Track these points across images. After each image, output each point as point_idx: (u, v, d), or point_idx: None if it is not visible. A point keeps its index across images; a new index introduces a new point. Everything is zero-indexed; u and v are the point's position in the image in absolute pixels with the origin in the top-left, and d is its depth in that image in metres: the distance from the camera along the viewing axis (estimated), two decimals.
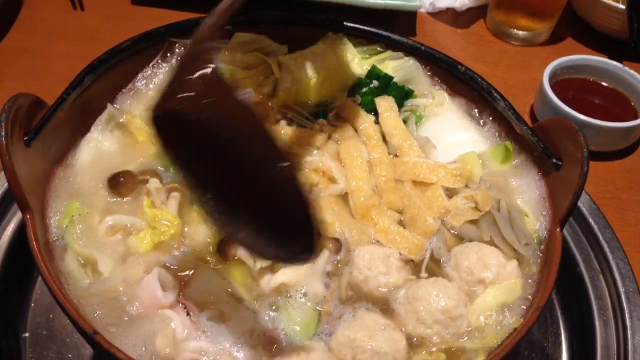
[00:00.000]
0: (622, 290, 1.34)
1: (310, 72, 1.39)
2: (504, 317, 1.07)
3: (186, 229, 1.14)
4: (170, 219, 1.13)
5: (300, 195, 0.86)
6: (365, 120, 1.32)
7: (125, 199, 1.17)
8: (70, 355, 1.25)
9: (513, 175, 1.26)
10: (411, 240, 1.13)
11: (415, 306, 1.04)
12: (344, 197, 1.22)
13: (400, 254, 1.13)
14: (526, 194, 1.23)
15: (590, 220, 1.45)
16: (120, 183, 1.17)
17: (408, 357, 1.01)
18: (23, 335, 1.28)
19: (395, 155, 1.29)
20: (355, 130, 1.32)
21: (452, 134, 1.32)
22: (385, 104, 1.34)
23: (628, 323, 1.30)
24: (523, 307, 1.08)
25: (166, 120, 0.85)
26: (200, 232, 1.13)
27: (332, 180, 1.23)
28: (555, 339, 1.37)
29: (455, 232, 1.19)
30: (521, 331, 1.00)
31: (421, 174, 1.23)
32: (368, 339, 0.98)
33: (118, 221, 1.13)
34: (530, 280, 1.11)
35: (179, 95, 0.84)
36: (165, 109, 0.84)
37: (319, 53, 1.40)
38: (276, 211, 0.88)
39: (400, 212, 1.20)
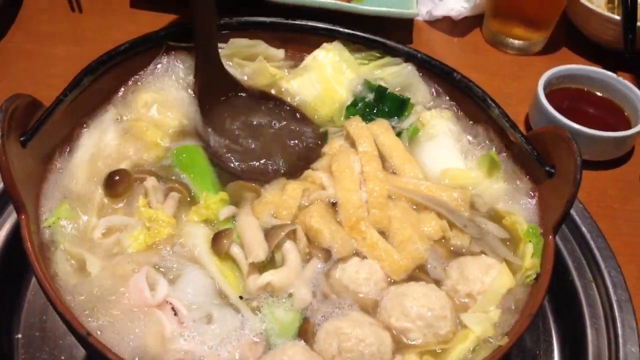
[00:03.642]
0: (614, 298, 1.35)
1: (309, 92, 1.39)
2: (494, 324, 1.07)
3: (181, 229, 1.14)
4: (165, 220, 1.13)
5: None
6: (368, 136, 1.30)
7: (120, 200, 1.17)
8: (62, 357, 1.25)
9: (503, 185, 1.26)
10: (397, 261, 1.12)
11: (401, 300, 1.05)
12: (333, 206, 1.21)
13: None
14: (518, 202, 1.23)
15: (583, 229, 1.46)
16: (115, 182, 1.16)
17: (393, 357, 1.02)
18: (16, 336, 1.28)
19: (394, 173, 1.28)
20: (354, 144, 1.29)
21: (440, 160, 1.31)
22: (380, 126, 1.32)
23: (620, 331, 1.31)
24: (513, 314, 1.08)
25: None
26: (196, 232, 1.13)
27: (322, 187, 1.23)
28: (547, 347, 1.37)
29: (463, 250, 1.18)
30: (513, 338, 1.00)
31: (420, 197, 1.22)
32: (353, 328, 1.00)
33: (113, 222, 1.13)
34: (525, 287, 1.11)
35: None
36: None
37: (315, 67, 1.40)
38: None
39: (383, 232, 1.17)
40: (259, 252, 1.09)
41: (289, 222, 1.16)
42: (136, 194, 1.17)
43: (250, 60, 1.41)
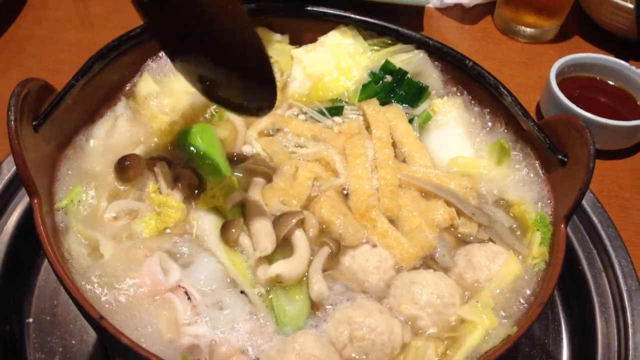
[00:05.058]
0: (624, 288, 1.35)
1: (322, 68, 1.38)
2: (504, 313, 1.07)
3: (191, 216, 1.14)
4: (175, 205, 1.13)
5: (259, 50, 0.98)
6: (384, 121, 1.29)
7: (132, 184, 1.17)
8: (73, 341, 1.26)
9: (513, 174, 1.26)
10: (407, 249, 1.13)
11: (411, 288, 1.05)
12: (343, 192, 1.21)
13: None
14: (529, 191, 1.23)
15: (594, 218, 1.45)
16: (126, 167, 1.16)
17: (402, 345, 1.02)
18: (27, 320, 1.29)
19: (404, 161, 1.28)
20: (368, 128, 1.30)
21: (449, 148, 1.31)
22: (393, 112, 1.33)
23: (629, 321, 1.30)
24: (521, 302, 1.08)
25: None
26: (205, 219, 1.13)
27: (335, 173, 1.23)
28: (556, 336, 1.37)
29: (471, 237, 1.18)
30: (523, 327, 1.00)
31: (429, 186, 1.22)
32: (365, 317, 1.00)
33: (124, 206, 1.13)
34: (532, 276, 1.11)
35: None
36: None
37: (330, 46, 1.39)
38: (242, 62, 1.00)
39: (392, 220, 1.17)
40: (267, 245, 1.08)
41: (299, 210, 1.15)
42: (147, 179, 1.17)
43: None
